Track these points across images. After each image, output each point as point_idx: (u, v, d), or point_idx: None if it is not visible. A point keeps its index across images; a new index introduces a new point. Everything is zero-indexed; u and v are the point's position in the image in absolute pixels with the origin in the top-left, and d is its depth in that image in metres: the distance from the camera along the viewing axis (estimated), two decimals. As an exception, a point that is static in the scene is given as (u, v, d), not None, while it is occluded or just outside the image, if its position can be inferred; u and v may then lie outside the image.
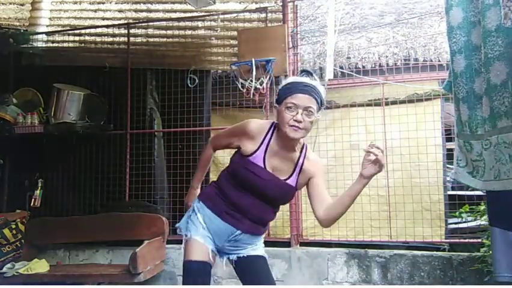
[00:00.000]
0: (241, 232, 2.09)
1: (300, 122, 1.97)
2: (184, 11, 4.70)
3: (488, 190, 2.69)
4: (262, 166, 2.05)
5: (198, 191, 2.39)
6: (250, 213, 2.08)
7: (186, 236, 2.13)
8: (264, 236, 2.27)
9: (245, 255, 2.15)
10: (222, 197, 2.12)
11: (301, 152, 2.11)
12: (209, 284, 2.08)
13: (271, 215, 2.18)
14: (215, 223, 2.10)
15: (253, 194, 2.07)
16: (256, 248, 2.20)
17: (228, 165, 2.18)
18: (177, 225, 2.25)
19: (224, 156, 4.59)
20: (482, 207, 3.59)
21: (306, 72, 2.08)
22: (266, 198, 2.08)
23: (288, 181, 2.08)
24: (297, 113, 1.96)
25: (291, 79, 2.12)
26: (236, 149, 2.18)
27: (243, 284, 2.19)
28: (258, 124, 2.12)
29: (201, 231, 2.11)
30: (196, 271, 2.06)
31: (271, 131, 2.09)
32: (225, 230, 2.08)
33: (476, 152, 2.59)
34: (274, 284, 2.17)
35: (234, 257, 2.16)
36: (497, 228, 2.75)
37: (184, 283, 2.07)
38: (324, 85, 2.22)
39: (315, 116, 2.01)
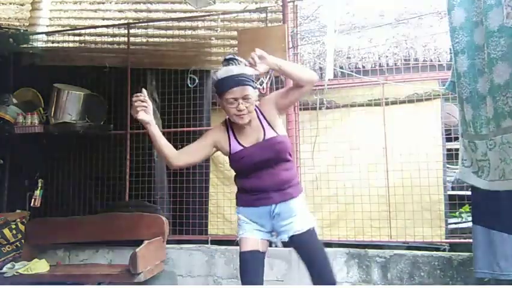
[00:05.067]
0: (276, 204, 2.33)
1: (242, 110, 2.26)
2: (184, 11, 4.70)
3: (473, 189, 2.71)
4: (242, 148, 2.35)
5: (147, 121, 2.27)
6: (270, 186, 2.33)
7: (238, 236, 2.44)
8: (302, 198, 2.43)
9: (295, 233, 2.33)
10: (244, 192, 2.41)
11: (256, 111, 2.38)
12: (261, 266, 2.37)
13: (285, 173, 2.36)
14: (254, 212, 2.38)
15: (258, 169, 2.33)
16: (301, 219, 2.35)
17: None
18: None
19: (224, 156, 4.59)
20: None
21: (229, 60, 2.31)
22: (268, 163, 2.32)
23: (266, 137, 2.34)
24: (238, 104, 2.25)
25: (221, 74, 2.29)
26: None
27: (301, 258, 2.40)
28: (217, 127, 2.46)
29: (246, 227, 2.40)
30: (246, 258, 2.36)
31: (228, 123, 2.41)
32: (263, 211, 2.36)
33: (481, 151, 2.59)
34: (324, 252, 2.37)
35: (285, 237, 2.38)
36: (479, 226, 2.79)
37: (240, 270, 2.37)
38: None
39: (253, 98, 2.29)
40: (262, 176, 2.34)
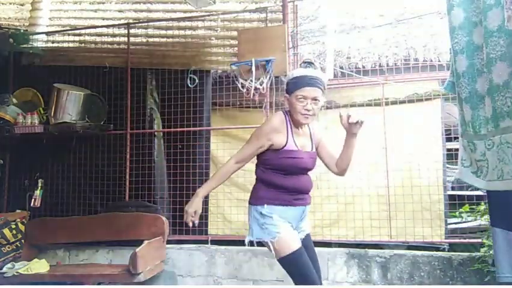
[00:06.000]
0: (307, 206, 2.54)
1: (309, 110, 2.39)
2: (184, 11, 4.70)
3: (489, 190, 2.69)
4: (297, 148, 2.45)
5: (201, 201, 2.49)
6: (306, 189, 2.50)
7: (274, 238, 2.36)
8: None
9: (307, 234, 2.56)
10: (282, 191, 2.43)
11: (307, 124, 2.54)
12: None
13: (311, 181, 2.58)
14: (290, 212, 2.44)
15: (299, 173, 2.46)
16: (308, 221, 2.62)
17: (263, 163, 2.49)
18: (253, 238, 2.45)
19: (224, 157, 4.60)
20: (482, 207, 3.59)
21: (308, 63, 2.42)
22: (307, 171, 2.52)
23: (313, 150, 2.55)
24: (306, 104, 2.38)
25: (297, 73, 2.46)
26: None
27: None
28: (278, 118, 2.50)
29: (283, 225, 2.40)
30: (302, 257, 2.36)
31: (287, 119, 2.49)
32: (299, 211, 2.48)
33: (480, 152, 2.58)
34: (317, 258, 2.53)
35: (302, 235, 2.51)
36: (498, 229, 2.75)
37: (296, 271, 2.34)
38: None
39: (321, 102, 2.43)
40: (301, 178, 2.47)
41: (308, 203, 2.54)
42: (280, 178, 2.42)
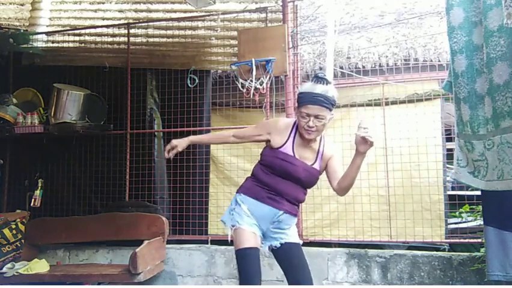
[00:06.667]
0: (283, 212, 2.43)
1: (311, 127, 2.36)
2: (184, 11, 4.70)
3: (483, 189, 2.70)
4: (292, 154, 2.44)
5: (186, 144, 2.68)
6: (287, 195, 2.44)
7: (233, 226, 2.43)
8: (296, 220, 2.59)
9: (284, 242, 2.46)
10: (261, 186, 2.45)
11: (320, 141, 2.50)
12: (260, 267, 2.39)
13: (303, 195, 2.53)
14: (259, 208, 2.43)
15: (287, 178, 2.42)
16: (292, 233, 2.52)
17: (260, 159, 2.53)
18: (221, 219, 2.55)
19: (224, 156, 4.61)
20: (482, 207, 3.59)
21: (317, 79, 2.37)
22: (298, 181, 2.44)
23: (313, 166, 2.47)
24: (309, 121, 2.35)
25: (303, 88, 2.42)
26: (265, 143, 2.55)
27: (281, 268, 2.48)
28: (285, 121, 2.58)
29: (247, 219, 2.42)
30: (249, 256, 2.37)
31: (295, 127, 2.49)
32: (269, 212, 2.43)
33: (478, 152, 2.58)
34: (307, 267, 2.45)
35: (276, 243, 2.46)
36: (491, 227, 2.76)
37: (240, 268, 2.38)
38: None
39: (326, 119, 2.37)
40: (286, 183, 2.44)
41: (284, 210, 2.42)
42: (265, 174, 2.46)
